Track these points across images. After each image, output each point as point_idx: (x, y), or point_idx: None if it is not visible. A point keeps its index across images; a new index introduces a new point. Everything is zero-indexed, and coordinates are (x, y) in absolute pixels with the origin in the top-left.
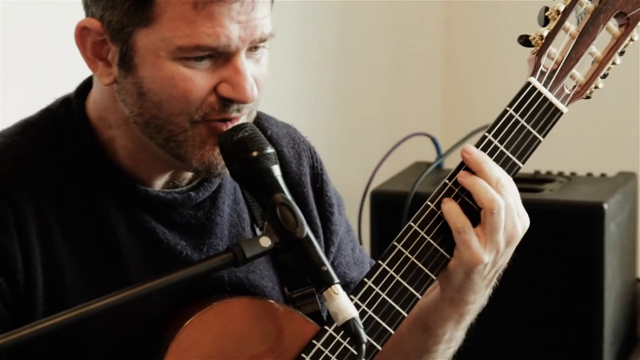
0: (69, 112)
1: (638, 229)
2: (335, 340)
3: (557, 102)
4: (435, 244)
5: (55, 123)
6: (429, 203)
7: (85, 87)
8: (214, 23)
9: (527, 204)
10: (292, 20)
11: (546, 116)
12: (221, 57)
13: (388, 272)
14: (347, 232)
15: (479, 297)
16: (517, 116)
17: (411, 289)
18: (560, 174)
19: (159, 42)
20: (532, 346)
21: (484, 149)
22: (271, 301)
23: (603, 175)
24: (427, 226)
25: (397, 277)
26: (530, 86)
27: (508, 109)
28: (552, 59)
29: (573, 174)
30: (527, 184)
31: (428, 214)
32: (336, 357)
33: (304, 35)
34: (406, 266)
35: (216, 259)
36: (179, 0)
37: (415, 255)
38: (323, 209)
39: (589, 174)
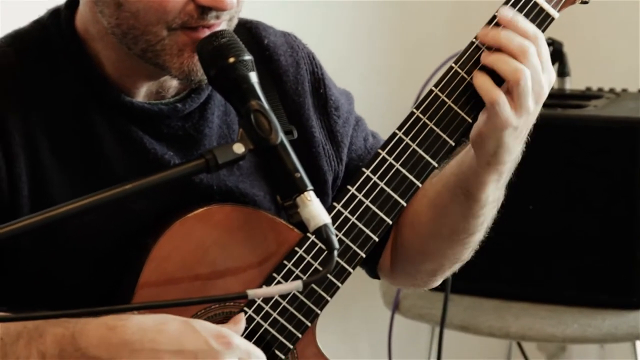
0: (58, 23)
1: None
2: (318, 247)
3: (547, 7)
4: (456, 107)
5: (45, 34)
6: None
7: None
8: None
9: (568, 120)
10: None
11: (536, 22)
12: None
13: (388, 160)
14: (357, 126)
15: (514, 155)
16: None
17: (427, 158)
18: (611, 90)
19: None
20: (571, 265)
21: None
22: (254, 208)
23: None
24: (449, 89)
25: (414, 146)
26: None
27: (497, 13)
28: None
29: (624, 90)
30: (575, 100)
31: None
32: (319, 264)
33: None
34: (423, 133)
35: (188, 164)
36: None
37: (433, 121)
38: (329, 113)
39: None
